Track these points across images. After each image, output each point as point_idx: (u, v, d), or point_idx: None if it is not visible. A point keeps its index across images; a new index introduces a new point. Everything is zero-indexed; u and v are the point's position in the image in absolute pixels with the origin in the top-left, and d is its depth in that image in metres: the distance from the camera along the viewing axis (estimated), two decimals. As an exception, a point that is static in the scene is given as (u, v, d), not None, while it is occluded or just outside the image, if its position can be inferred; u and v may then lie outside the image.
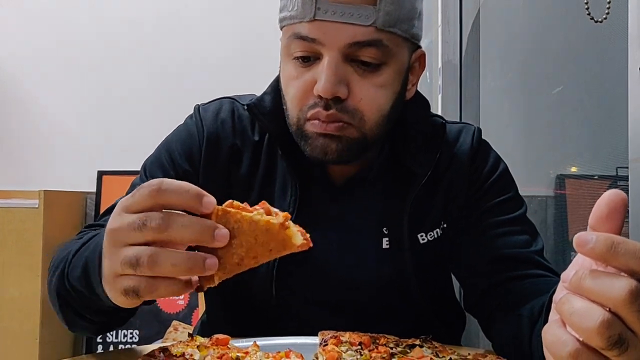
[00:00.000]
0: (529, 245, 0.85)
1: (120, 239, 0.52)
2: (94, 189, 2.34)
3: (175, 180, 0.52)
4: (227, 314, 0.93)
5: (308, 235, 0.54)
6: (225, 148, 0.89)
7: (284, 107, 0.83)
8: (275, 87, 0.88)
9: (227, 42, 2.44)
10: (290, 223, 0.53)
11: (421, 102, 0.91)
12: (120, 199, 0.81)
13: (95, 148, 2.43)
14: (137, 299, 0.53)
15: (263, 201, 0.56)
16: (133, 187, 0.84)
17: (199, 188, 0.52)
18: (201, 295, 1.55)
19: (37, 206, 2.06)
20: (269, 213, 0.54)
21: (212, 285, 0.54)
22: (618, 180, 1.48)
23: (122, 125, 2.44)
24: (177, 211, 0.52)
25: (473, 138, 0.91)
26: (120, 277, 0.53)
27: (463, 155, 0.90)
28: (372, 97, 0.77)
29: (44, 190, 2.09)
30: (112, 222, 0.54)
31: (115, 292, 0.54)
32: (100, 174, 2.36)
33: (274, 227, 0.52)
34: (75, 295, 0.67)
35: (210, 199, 0.52)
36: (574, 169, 1.75)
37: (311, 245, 0.53)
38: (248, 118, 0.91)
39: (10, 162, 2.45)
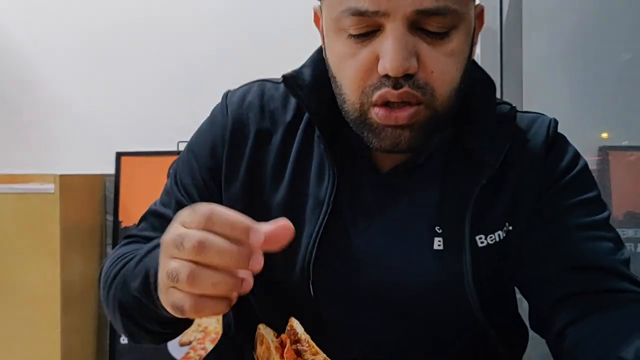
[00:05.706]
0: (614, 253, 0.72)
1: (166, 251, 0.51)
2: (112, 171, 2.25)
3: (225, 212, 0.49)
4: (249, 324, 0.82)
5: None
6: (251, 134, 0.79)
7: (337, 91, 0.71)
8: (316, 60, 0.77)
9: (259, 24, 2.28)
10: None
11: (487, 84, 0.78)
12: (154, 204, 0.84)
13: (112, 128, 2.32)
14: (184, 315, 0.51)
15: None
16: (166, 193, 0.83)
17: (247, 222, 0.49)
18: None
19: (52, 191, 1.96)
20: None
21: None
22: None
23: (141, 104, 2.31)
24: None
25: (549, 129, 0.79)
26: (169, 289, 0.51)
27: (536, 146, 0.77)
28: (443, 68, 0.66)
29: (60, 175, 1.99)
30: (167, 233, 0.52)
31: (165, 303, 0.53)
32: (119, 155, 2.25)
33: None
34: (137, 305, 0.66)
35: (258, 234, 0.49)
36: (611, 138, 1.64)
37: None
38: (280, 97, 0.81)
39: (24, 145, 2.35)
